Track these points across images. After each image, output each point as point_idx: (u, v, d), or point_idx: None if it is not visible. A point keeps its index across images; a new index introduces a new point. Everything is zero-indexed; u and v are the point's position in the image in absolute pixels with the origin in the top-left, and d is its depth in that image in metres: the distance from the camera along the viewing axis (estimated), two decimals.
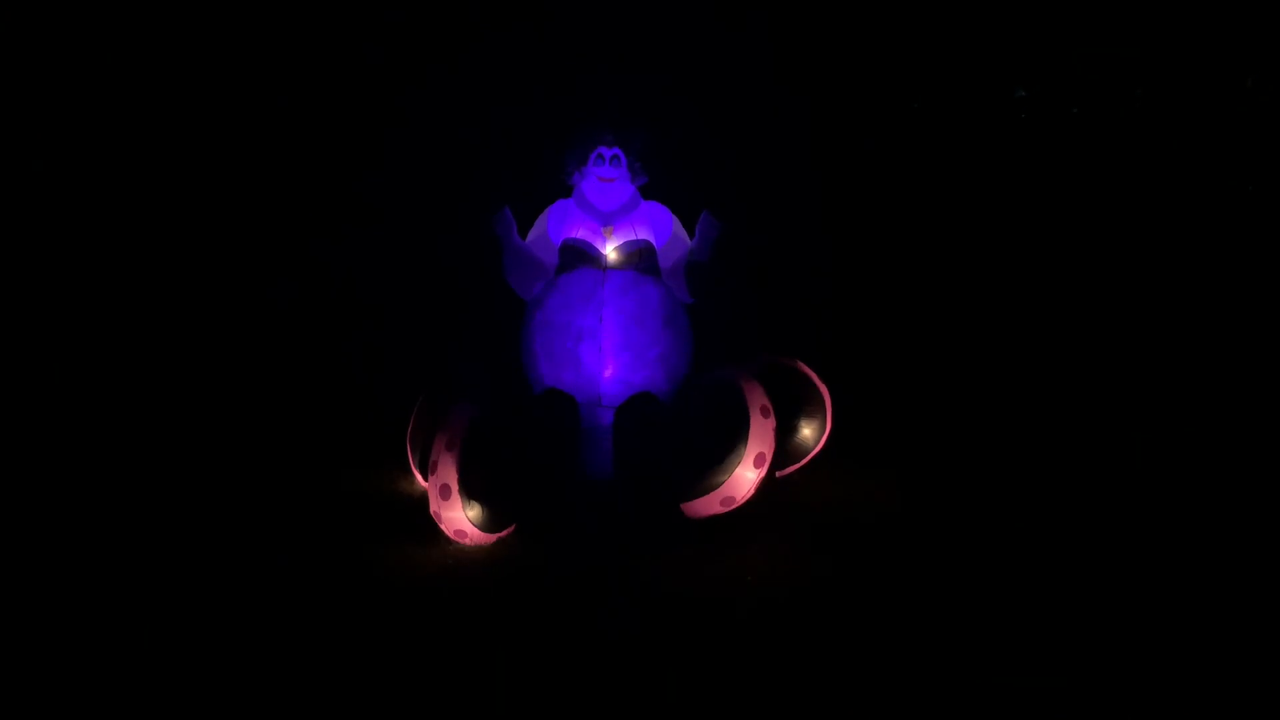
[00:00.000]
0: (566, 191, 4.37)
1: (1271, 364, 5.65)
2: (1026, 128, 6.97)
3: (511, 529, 3.69)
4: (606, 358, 4.08)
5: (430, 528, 3.64)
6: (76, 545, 3.62)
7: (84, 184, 6.05)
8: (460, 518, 3.55)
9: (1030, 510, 3.95)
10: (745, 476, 3.70)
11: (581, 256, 4.18)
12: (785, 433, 4.04)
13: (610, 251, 4.20)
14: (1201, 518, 3.87)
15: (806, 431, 4.16)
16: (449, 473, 3.53)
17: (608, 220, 4.25)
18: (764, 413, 3.73)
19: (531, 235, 4.39)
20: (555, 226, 4.34)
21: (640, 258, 4.20)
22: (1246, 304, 6.25)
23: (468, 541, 3.60)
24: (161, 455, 4.56)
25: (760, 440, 3.69)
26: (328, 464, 4.45)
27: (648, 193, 4.37)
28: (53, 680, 2.73)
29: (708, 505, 3.75)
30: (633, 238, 4.23)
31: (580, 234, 4.23)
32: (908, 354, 5.99)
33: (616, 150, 4.27)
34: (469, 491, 3.54)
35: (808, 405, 4.15)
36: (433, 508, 3.61)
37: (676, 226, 4.39)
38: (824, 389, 4.18)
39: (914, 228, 6.47)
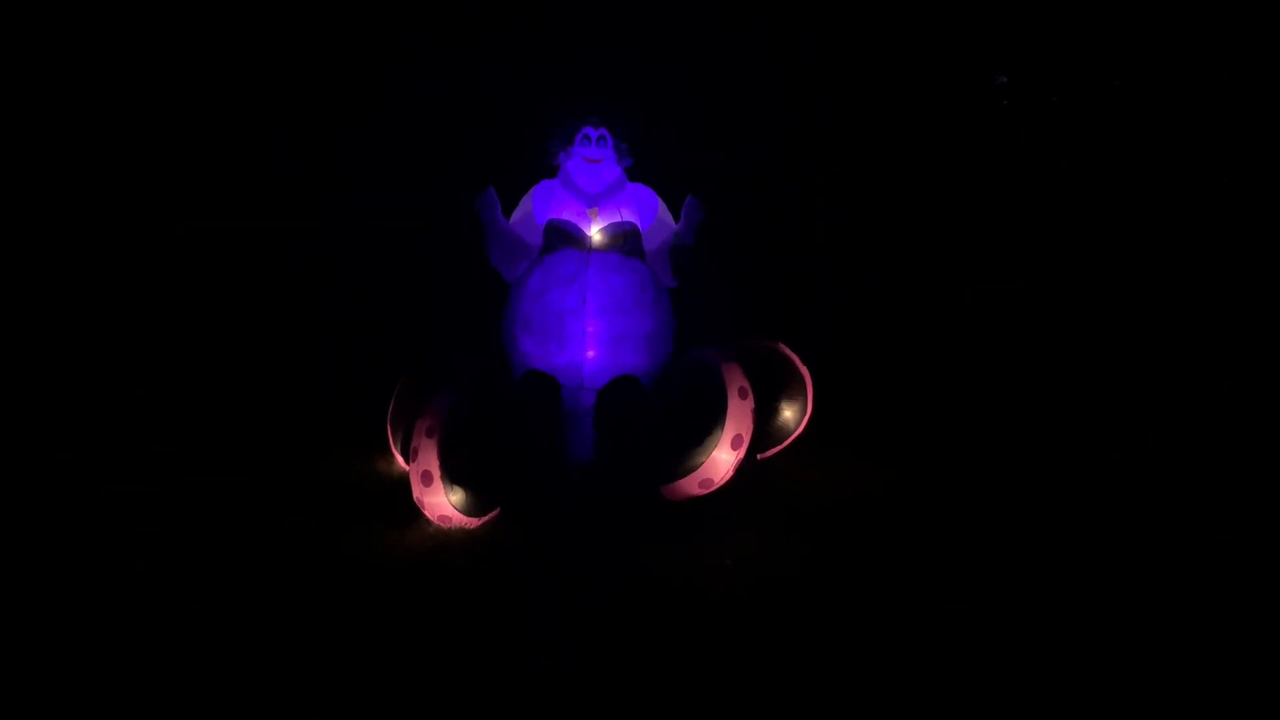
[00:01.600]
0: (552, 172, 4.35)
1: (1251, 349, 5.74)
2: (1007, 114, 7.02)
3: (496, 512, 3.70)
4: (589, 340, 4.08)
5: (413, 511, 3.65)
6: (51, 532, 3.62)
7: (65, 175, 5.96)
8: (443, 503, 3.56)
9: (1012, 494, 3.98)
10: (722, 458, 3.72)
11: (566, 238, 4.16)
12: (766, 415, 4.06)
13: (595, 233, 4.19)
14: (1178, 500, 3.93)
15: (788, 414, 4.17)
16: (430, 459, 3.53)
17: (593, 202, 4.24)
18: (742, 394, 3.74)
19: (516, 215, 4.37)
20: (540, 207, 4.32)
21: (625, 240, 4.18)
22: (1225, 290, 6.35)
23: (452, 525, 3.61)
24: (142, 440, 4.54)
25: (738, 422, 3.71)
26: (309, 448, 4.44)
27: (634, 175, 4.36)
28: (33, 665, 2.72)
29: (686, 487, 3.77)
30: (618, 220, 4.22)
31: (565, 215, 4.22)
32: (891, 339, 6.03)
33: (603, 131, 4.25)
34: (451, 477, 3.55)
35: (789, 388, 4.17)
36: (415, 494, 3.62)
37: (662, 210, 4.39)
38: (805, 372, 4.19)
39: (896, 214, 6.51)
